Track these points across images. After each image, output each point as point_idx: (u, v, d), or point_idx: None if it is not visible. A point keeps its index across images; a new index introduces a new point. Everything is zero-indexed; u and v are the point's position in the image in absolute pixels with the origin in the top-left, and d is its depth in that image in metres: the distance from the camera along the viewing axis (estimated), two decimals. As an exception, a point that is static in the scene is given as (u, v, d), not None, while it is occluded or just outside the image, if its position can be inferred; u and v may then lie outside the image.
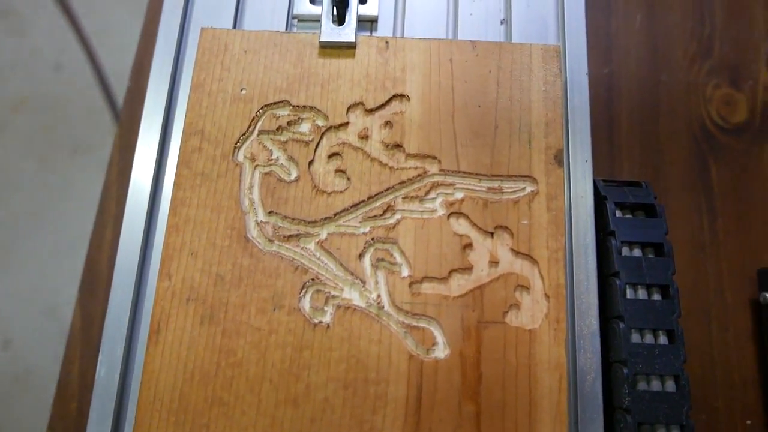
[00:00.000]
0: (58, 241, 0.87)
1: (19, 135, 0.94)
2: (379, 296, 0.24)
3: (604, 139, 0.39)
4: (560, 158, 0.26)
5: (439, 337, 0.24)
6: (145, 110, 0.29)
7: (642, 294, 0.25)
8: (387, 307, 0.24)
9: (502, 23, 0.30)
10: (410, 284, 0.24)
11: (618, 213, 0.27)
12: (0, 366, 0.79)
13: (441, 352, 0.24)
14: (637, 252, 0.26)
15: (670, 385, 0.24)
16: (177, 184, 0.26)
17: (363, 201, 0.25)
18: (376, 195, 0.25)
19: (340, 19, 0.28)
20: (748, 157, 0.39)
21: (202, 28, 0.28)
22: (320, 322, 0.24)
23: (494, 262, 0.25)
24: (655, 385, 0.24)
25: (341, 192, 0.26)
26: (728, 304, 0.36)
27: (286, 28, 0.30)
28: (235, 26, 0.30)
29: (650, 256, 0.26)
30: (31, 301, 0.84)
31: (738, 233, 0.37)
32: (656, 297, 0.25)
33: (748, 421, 0.34)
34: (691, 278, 0.36)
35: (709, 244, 0.37)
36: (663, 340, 0.25)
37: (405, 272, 0.25)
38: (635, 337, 0.25)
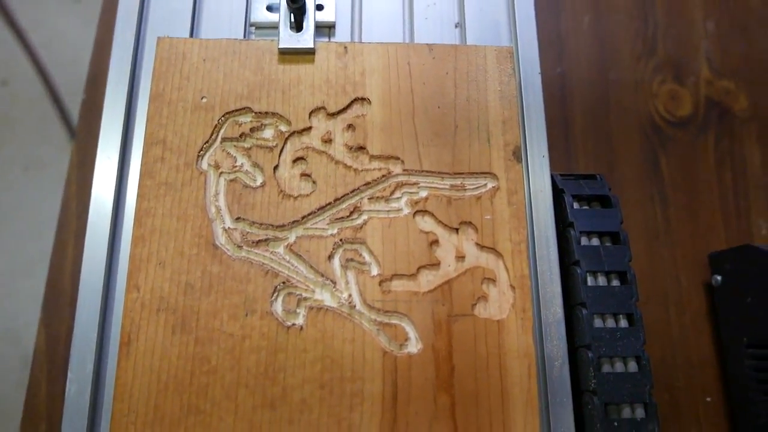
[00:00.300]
0: (14, 261, 0.84)
1: (-33, 154, 0.91)
2: (350, 296, 0.25)
3: (560, 136, 0.41)
4: (518, 154, 0.27)
5: (411, 333, 0.24)
6: (103, 122, 0.28)
7: (602, 281, 0.27)
8: (359, 306, 0.25)
9: (456, 26, 0.31)
10: (380, 282, 0.25)
11: (575, 205, 0.28)
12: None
13: (414, 347, 0.24)
14: (595, 241, 0.27)
15: (633, 366, 0.25)
16: (141, 195, 0.25)
17: (329, 203, 0.26)
18: (342, 197, 0.26)
19: (297, 26, 0.28)
20: (694, 148, 0.41)
21: (159, 38, 0.28)
22: (293, 324, 0.24)
23: (461, 257, 0.25)
24: (619, 366, 0.25)
25: (308, 195, 0.26)
26: (684, 288, 0.38)
27: (244, 36, 0.30)
28: (192, 35, 0.30)
29: (608, 244, 0.27)
30: (-11, 326, 0.80)
31: (688, 220, 0.39)
32: (615, 283, 0.27)
33: (708, 399, 0.36)
34: (648, 265, 0.38)
35: (663, 231, 0.39)
36: (623, 323, 0.26)
37: (374, 271, 0.25)
38: (597, 322, 0.26)
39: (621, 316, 0.26)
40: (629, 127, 0.41)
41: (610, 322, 0.26)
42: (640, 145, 0.41)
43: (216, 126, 0.27)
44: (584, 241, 0.27)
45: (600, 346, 0.25)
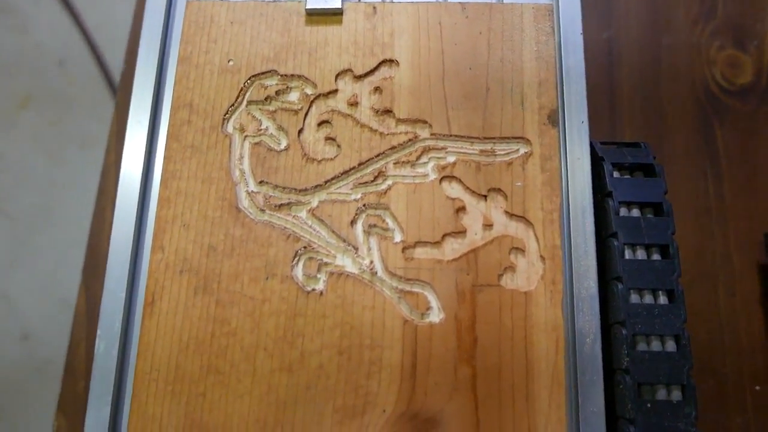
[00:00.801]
0: (69, 234, 0.88)
1: (26, 131, 0.95)
2: (372, 262, 0.24)
3: (604, 104, 0.38)
4: (554, 119, 0.25)
5: (434, 302, 0.24)
6: (135, 88, 0.28)
7: (641, 254, 0.25)
8: (380, 272, 0.24)
9: (493, -15, 0.29)
10: (403, 249, 0.24)
11: (616, 174, 0.26)
12: (20, 358, 0.80)
13: (435, 316, 0.23)
14: (635, 212, 0.26)
15: (671, 346, 0.24)
16: (167, 158, 0.26)
17: (354, 168, 0.25)
18: (366, 161, 0.25)
19: (327, -14, 0.27)
20: (755, 119, 0.38)
21: (188, 1, 0.28)
22: (313, 289, 0.24)
23: (488, 225, 0.24)
24: (655, 345, 0.24)
25: (332, 159, 0.25)
26: (735, 268, 0.35)
27: (273, -2, 0.29)
28: (222, -2, 0.29)
29: (649, 216, 0.26)
30: (47, 294, 0.85)
31: (744, 196, 0.36)
32: (656, 257, 0.25)
33: (757, 387, 0.33)
34: (697, 243, 0.36)
35: (715, 208, 0.36)
36: (663, 300, 0.24)
37: (398, 237, 0.24)
38: (634, 298, 0.24)
39: (660, 292, 0.24)
40: (682, 96, 0.38)
41: (648, 299, 0.24)
42: (694, 115, 0.38)
43: (242, 89, 0.26)
44: (623, 212, 0.26)
45: (636, 322, 0.24)
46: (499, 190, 0.25)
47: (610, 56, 0.39)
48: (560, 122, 0.26)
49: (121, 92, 0.41)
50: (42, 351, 0.82)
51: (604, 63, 0.39)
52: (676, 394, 0.23)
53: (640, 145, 0.28)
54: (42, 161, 0.93)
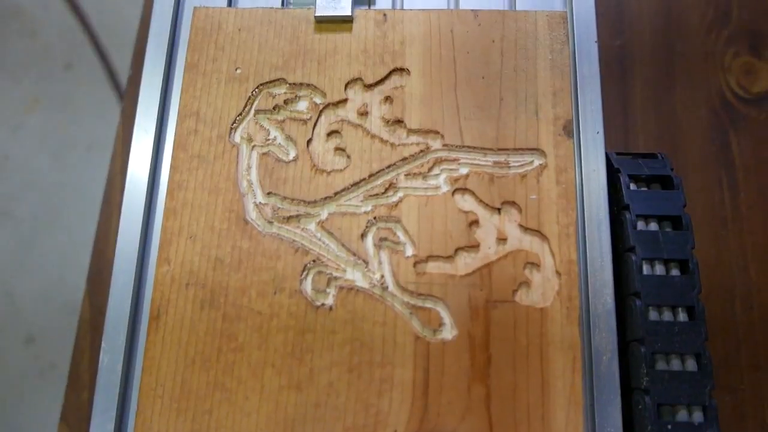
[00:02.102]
0: (74, 237, 0.88)
1: (33, 134, 0.95)
2: (382, 276, 0.23)
3: (617, 113, 0.38)
4: (569, 129, 0.25)
5: (446, 318, 0.23)
6: (141, 95, 0.28)
7: (659, 269, 0.24)
8: (391, 287, 0.23)
9: (506, -8, 0.29)
10: (415, 264, 0.23)
11: (632, 186, 0.26)
12: (26, 362, 0.80)
13: (448, 333, 0.23)
14: (653, 226, 0.25)
15: (691, 364, 0.23)
16: (173, 167, 0.25)
17: (364, 179, 0.25)
18: (377, 173, 0.25)
19: (336, -7, 0.27)
20: (771, 128, 0.37)
21: (195, 8, 0.27)
22: (323, 304, 0.23)
23: (502, 239, 0.24)
24: (675, 364, 0.23)
25: (341, 170, 0.25)
26: (753, 281, 0.34)
27: (282, 5, 0.29)
28: (230, 5, 0.29)
29: (668, 229, 0.25)
30: (52, 297, 0.85)
31: (761, 207, 0.36)
32: (675, 272, 0.24)
33: (776, 403, 0.33)
34: (714, 255, 0.35)
35: (731, 219, 0.36)
36: (683, 317, 0.23)
37: (409, 251, 0.24)
38: (653, 315, 0.23)
39: (680, 308, 0.24)
40: (696, 105, 0.38)
41: (668, 315, 0.24)
42: (709, 124, 0.37)
43: (250, 98, 0.26)
44: (641, 225, 0.25)
45: (655, 340, 0.23)
46: (513, 203, 0.24)
47: (622, 64, 0.39)
48: (575, 133, 0.26)
49: (127, 98, 0.40)
50: (46, 354, 0.81)
51: (615, 71, 0.39)
52: (698, 416, 0.22)
53: (657, 155, 0.27)
54: (48, 164, 0.93)
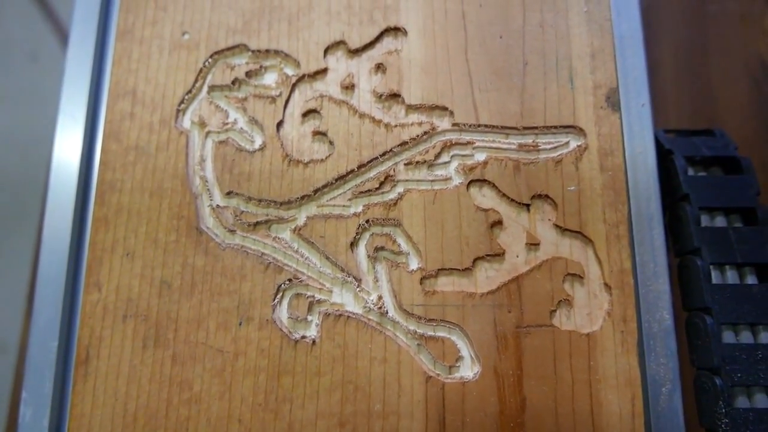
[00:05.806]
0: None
1: (-7, 129, 0.88)
2: (380, 298, 0.18)
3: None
4: (614, 100, 0.19)
5: (465, 350, 0.18)
6: (66, 73, 0.22)
7: (732, 277, 0.19)
8: (392, 312, 0.18)
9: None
10: (422, 280, 0.18)
11: (690, 170, 0.20)
12: (-4, 373, 0.74)
13: (468, 369, 0.17)
14: (720, 221, 0.20)
15: (778, 398, 0.18)
16: (104, 164, 0.19)
17: (352, 171, 0.19)
18: (368, 162, 0.19)
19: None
20: (820, 98, 0.32)
21: (129, -44, 0.21)
22: (303, 336, 0.18)
23: (533, 245, 0.18)
24: (761, 400, 0.18)
25: (322, 161, 0.19)
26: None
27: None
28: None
29: (738, 224, 0.20)
30: (23, 305, 0.78)
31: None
32: (751, 280, 0.19)
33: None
34: None
35: (779, 205, 0.31)
36: (765, 338, 0.18)
37: (414, 264, 0.18)
38: (728, 336, 0.18)
39: (761, 327, 0.18)
40: (733, 73, 0.33)
41: (746, 336, 0.18)
42: (749, 96, 0.32)
43: (201, 70, 0.20)
44: (705, 220, 0.20)
45: (733, 369, 0.18)
46: (546, 197, 0.19)
47: (649, 28, 0.33)
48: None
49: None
50: (21, 365, 0.75)
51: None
52: (795, 469, 0.17)
53: (714, 132, 0.22)
54: (15, 161, 0.86)
